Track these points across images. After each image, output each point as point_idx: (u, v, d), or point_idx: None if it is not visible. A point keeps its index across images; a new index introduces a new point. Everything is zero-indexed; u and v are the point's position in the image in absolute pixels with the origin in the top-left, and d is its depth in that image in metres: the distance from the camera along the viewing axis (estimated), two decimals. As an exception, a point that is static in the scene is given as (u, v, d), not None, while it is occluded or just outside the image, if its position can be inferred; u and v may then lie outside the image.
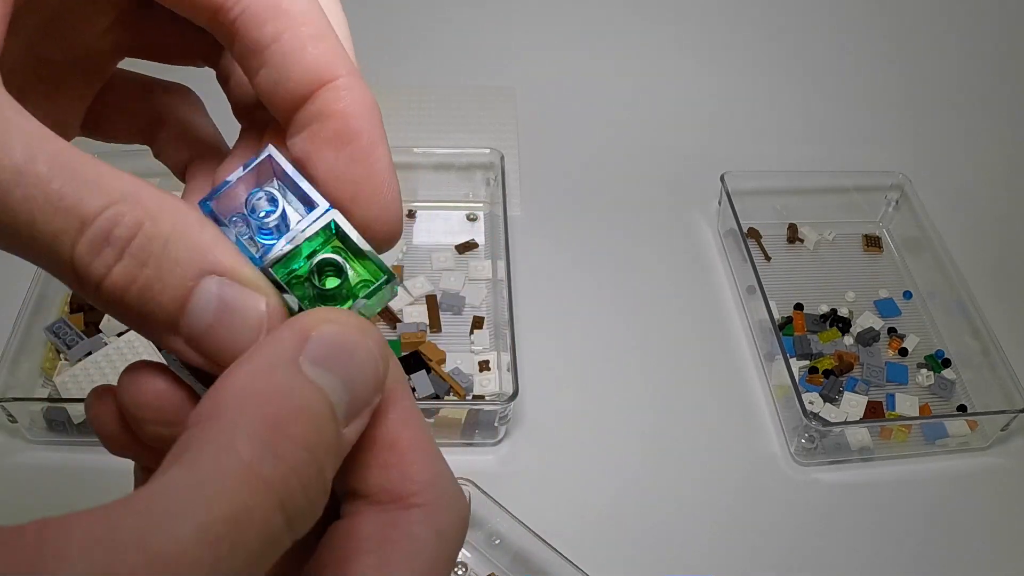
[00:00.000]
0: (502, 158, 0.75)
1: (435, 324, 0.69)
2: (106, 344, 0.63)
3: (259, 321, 0.20)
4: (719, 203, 0.77)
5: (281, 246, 0.21)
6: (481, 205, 0.78)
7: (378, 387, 0.19)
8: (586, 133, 0.87)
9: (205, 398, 0.17)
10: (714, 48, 0.94)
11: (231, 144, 0.26)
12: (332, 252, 0.21)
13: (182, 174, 0.28)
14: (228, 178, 0.22)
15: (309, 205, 0.22)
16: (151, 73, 0.28)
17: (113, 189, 0.18)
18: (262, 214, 0.21)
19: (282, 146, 0.23)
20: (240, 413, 0.16)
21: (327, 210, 0.21)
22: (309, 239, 0.21)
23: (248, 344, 0.19)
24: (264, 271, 0.21)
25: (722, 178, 0.76)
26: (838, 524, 0.61)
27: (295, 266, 0.21)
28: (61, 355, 0.63)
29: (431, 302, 0.70)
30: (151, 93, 0.28)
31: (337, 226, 0.22)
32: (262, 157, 0.22)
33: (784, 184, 0.80)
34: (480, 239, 0.75)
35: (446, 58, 0.92)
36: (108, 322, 0.65)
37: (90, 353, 0.62)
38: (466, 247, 0.74)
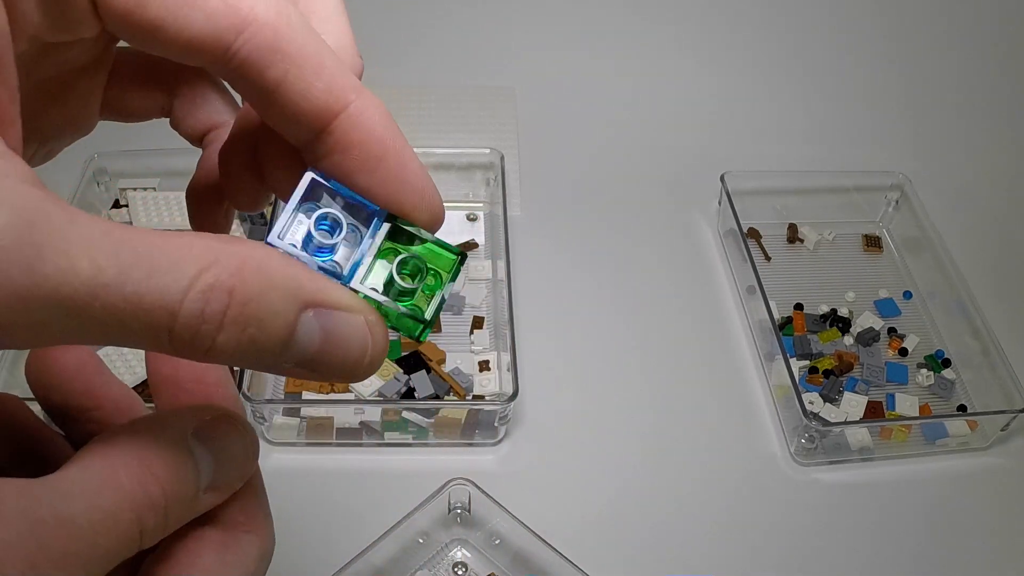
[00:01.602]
0: (502, 158, 0.75)
1: (435, 324, 0.69)
2: (106, 344, 0.63)
3: (363, 338, 0.21)
4: (719, 203, 0.77)
5: (358, 259, 0.22)
6: (481, 205, 0.78)
7: (242, 476, 0.24)
8: (586, 133, 0.87)
9: (113, 429, 0.21)
10: (714, 48, 0.94)
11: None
12: (397, 248, 0.23)
13: (199, 140, 0.28)
14: (283, 212, 0.22)
15: (361, 214, 0.23)
16: None
17: (188, 265, 0.18)
18: (319, 233, 0.22)
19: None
20: (130, 450, 0.21)
21: (384, 215, 0.23)
22: (380, 247, 0.23)
23: (357, 360, 0.21)
24: (352, 289, 0.22)
25: (722, 178, 0.76)
26: (838, 524, 0.61)
27: (371, 271, 0.23)
28: (61, 355, 0.63)
29: (431, 302, 0.70)
30: (161, 68, 0.28)
31: (395, 224, 0.23)
32: (305, 179, 0.22)
33: (784, 184, 0.80)
34: (480, 239, 0.75)
35: (446, 58, 0.92)
36: (108, 322, 0.64)
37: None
38: (466, 247, 0.74)
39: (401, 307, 0.23)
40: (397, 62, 0.90)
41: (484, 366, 0.66)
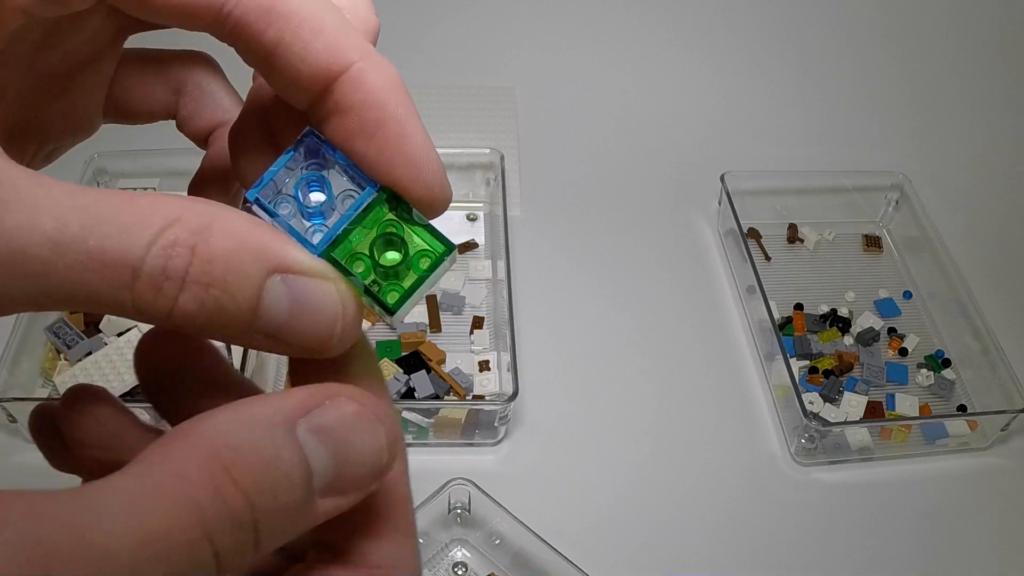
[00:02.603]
0: (502, 158, 0.75)
1: (435, 324, 0.69)
2: (106, 344, 0.63)
3: (334, 307, 0.20)
4: (719, 203, 0.77)
5: (335, 228, 0.21)
6: (481, 205, 0.78)
7: (376, 475, 0.19)
8: (586, 133, 0.87)
9: (184, 423, 0.17)
10: (714, 48, 0.94)
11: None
12: (388, 225, 0.21)
13: (204, 140, 0.28)
14: (273, 165, 0.21)
15: (356, 183, 0.22)
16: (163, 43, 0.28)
17: (153, 222, 0.17)
18: (310, 198, 0.21)
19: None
20: (206, 444, 0.17)
21: (376, 187, 0.21)
22: (363, 218, 0.21)
23: (327, 330, 0.19)
24: (326, 256, 0.21)
25: (722, 178, 0.76)
26: (838, 524, 0.61)
27: (353, 245, 0.21)
28: (61, 355, 0.63)
29: (431, 302, 0.70)
30: (167, 66, 0.27)
31: (389, 200, 0.21)
32: (303, 139, 0.21)
33: (784, 184, 0.80)
34: (480, 239, 0.75)
35: (446, 58, 0.92)
36: (108, 322, 0.65)
37: (90, 353, 0.62)
38: (466, 247, 0.74)
39: (368, 287, 0.21)
40: (397, 62, 0.89)
41: (484, 366, 0.66)
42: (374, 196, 0.21)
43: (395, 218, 0.22)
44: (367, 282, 0.21)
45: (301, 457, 0.18)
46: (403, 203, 0.22)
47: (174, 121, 0.29)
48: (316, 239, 0.21)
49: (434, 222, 0.22)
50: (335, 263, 0.21)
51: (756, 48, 0.94)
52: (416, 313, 0.69)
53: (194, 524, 0.16)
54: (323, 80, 0.21)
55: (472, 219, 0.77)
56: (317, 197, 0.21)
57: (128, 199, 0.18)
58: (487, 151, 0.76)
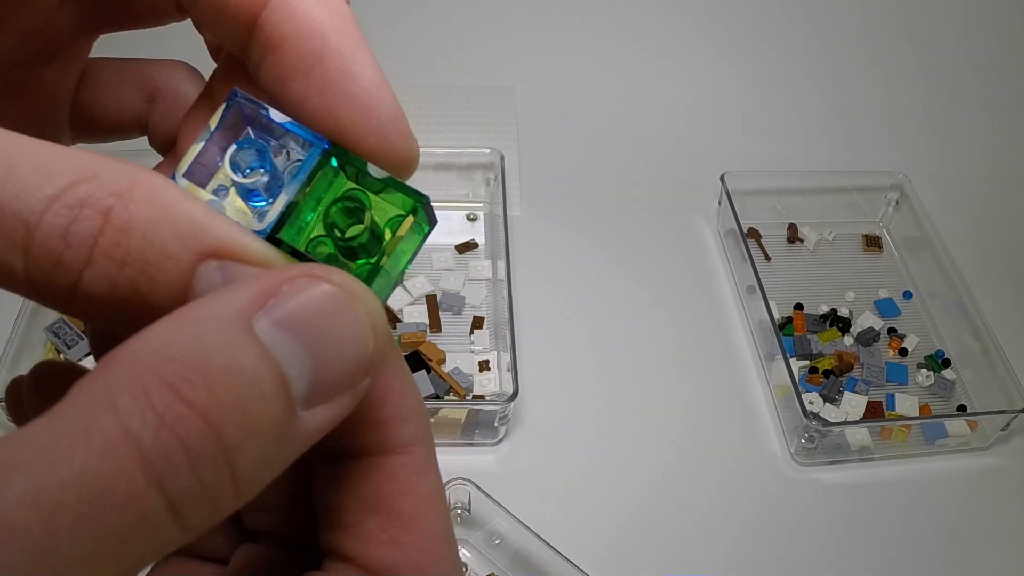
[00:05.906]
0: (502, 158, 0.75)
1: (435, 324, 0.69)
2: (106, 344, 0.63)
3: None
4: (719, 203, 0.77)
5: (279, 202, 0.17)
6: (481, 205, 0.78)
7: (363, 366, 0.15)
8: (586, 133, 0.87)
9: (112, 350, 0.14)
10: (714, 48, 0.94)
11: None
12: (348, 190, 0.18)
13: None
14: (196, 141, 0.17)
15: (304, 145, 0.18)
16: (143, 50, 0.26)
17: (62, 175, 0.14)
18: (247, 173, 0.18)
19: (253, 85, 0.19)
20: (138, 366, 0.13)
21: (322, 144, 0.17)
22: (310, 184, 0.17)
23: None
24: (272, 239, 0.17)
25: (722, 178, 0.76)
26: (838, 524, 0.61)
27: (308, 220, 0.18)
28: (61, 355, 0.63)
29: (431, 302, 0.70)
30: (140, 71, 0.25)
31: (342, 158, 0.18)
32: (228, 104, 0.18)
33: (784, 184, 0.80)
34: (480, 239, 0.75)
35: (446, 58, 0.92)
36: (108, 322, 0.65)
37: (90, 353, 0.62)
38: (466, 247, 0.74)
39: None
40: (398, 62, 0.90)
41: (484, 366, 0.66)
42: (321, 155, 0.17)
43: (353, 181, 0.18)
44: (331, 263, 0.17)
45: (268, 358, 0.14)
46: (356, 159, 0.18)
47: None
48: (263, 220, 0.17)
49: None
50: (287, 248, 0.17)
51: (756, 48, 0.94)
52: (416, 313, 0.69)
53: (133, 468, 0.12)
54: (250, 6, 0.18)
55: (472, 219, 0.77)
56: (257, 171, 0.18)
57: (34, 144, 0.14)
58: (487, 151, 0.76)
